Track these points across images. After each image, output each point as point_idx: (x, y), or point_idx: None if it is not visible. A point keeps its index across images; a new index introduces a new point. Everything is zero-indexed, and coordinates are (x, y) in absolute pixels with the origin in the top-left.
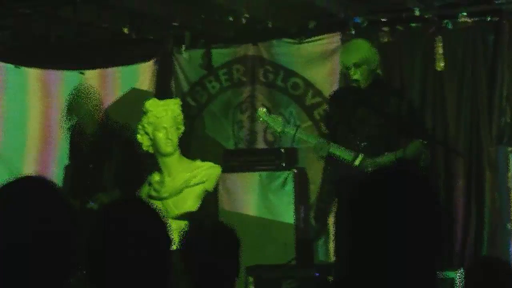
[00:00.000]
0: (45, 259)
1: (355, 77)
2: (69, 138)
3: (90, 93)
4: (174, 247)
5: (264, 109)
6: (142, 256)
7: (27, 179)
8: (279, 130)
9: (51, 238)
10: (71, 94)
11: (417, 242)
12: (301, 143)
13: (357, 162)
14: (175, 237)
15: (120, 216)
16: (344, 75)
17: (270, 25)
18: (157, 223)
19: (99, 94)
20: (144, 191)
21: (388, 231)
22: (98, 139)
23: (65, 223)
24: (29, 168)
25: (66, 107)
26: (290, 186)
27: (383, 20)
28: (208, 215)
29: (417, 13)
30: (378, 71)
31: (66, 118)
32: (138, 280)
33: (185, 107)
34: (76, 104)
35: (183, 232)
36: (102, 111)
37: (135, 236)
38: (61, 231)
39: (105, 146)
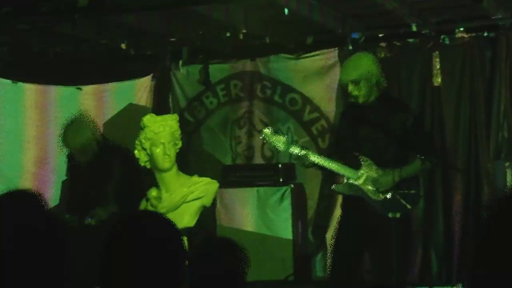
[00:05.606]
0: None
1: (354, 93)
2: (66, 155)
3: (84, 124)
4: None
5: (269, 129)
6: (159, 269)
7: (11, 194)
8: (283, 149)
9: (33, 250)
10: (66, 126)
11: None
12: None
13: (360, 181)
14: None
15: (140, 228)
16: (343, 91)
17: (267, 41)
18: (175, 236)
19: (94, 123)
20: (142, 206)
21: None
22: (97, 156)
23: (49, 236)
24: (26, 183)
25: (61, 138)
26: (287, 202)
27: (380, 35)
28: (206, 231)
29: (414, 28)
30: (383, 84)
31: (63, 145)
32: None
33: (182, 123)
34: (72, 135)
35: (191, 247)
36: (98, 137)
37: (152, 249)
38: (45, 244)
39: (104, 162)
